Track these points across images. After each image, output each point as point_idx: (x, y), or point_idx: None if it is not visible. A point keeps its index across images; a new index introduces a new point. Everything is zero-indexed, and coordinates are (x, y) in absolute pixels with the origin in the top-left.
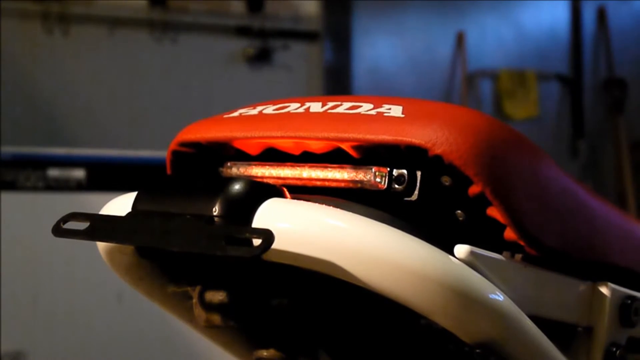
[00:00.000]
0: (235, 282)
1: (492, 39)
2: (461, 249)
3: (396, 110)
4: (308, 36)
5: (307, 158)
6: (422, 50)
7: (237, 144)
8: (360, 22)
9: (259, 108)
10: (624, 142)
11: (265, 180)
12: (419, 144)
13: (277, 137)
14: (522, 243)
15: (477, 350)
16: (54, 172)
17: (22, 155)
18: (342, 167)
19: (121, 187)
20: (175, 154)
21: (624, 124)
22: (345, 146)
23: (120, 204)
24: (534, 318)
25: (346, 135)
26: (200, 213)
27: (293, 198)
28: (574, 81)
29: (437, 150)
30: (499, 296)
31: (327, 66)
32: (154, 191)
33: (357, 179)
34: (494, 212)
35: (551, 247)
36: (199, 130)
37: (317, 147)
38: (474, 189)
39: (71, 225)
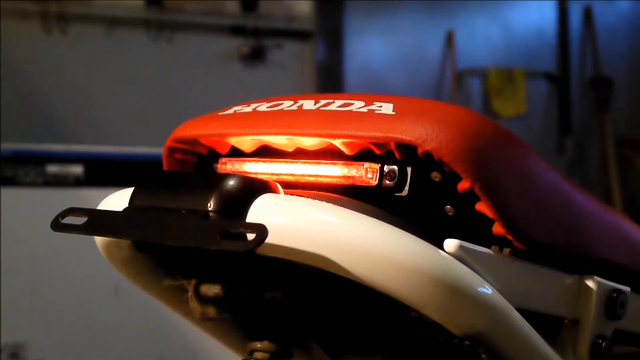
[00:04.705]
0: (230, 276)
1: (481, 38)
2: (450, 244)
3: (387, 108)
4: (301, 35)
5: (301, 155)
6: (412, 49)
7: (232, 141)
8: (352, 21)
9: (253, 105)
10: (609, 139)
11: (259, 176)
12: (409, 140)
13: (271, 134)
14: (510, 237)
15: (466, 342)
16: (52, 168)
17: (22, 151)
18: (334, 163)
19: (118, 183)
20: (171, 150)
21: (610, 121)
22: (337, 143)
23: (118, 199)
24: (522, 311)
25: (338, 132)
26: (196, 208)
27: (286, 194)
28: (561, 79)
29: (427, 147)
30: (487, 289)
31: (319, 65)
32: (151, 187)
33: (349, 175)
34: (482, 207)
35: (538, 242)
36: (194, 127)
37: (310, 144)
38: (463, 185)
39: (69, 220)
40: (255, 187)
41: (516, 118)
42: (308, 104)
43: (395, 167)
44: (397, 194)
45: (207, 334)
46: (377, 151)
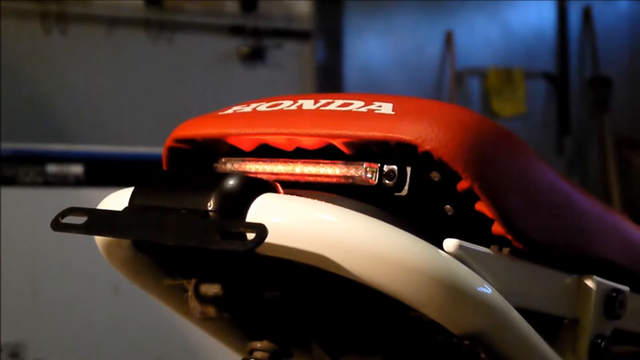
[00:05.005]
0: (229, 275)
1: (480, 38)
2: (450, 243)
3: (386, 108)
4: (300, 35)
5: (300, 154)
6: (412, 49)
7: (231, 141)
8: (351, 21)
9: (253, 105)
10: (608, 139)
11: (258, 176)
12: (409, 140)
13: (271, 134)
14: (509, 237)
15: (466, 342)
16: (52, 168)
17: (22, 151)
18: (333, 163)
19: (118, 183)
20: (171, 150)
21: (609, 121)
22: (337, 142)
23: (118, 199)
24: (521, 310)
25: (338, 131)
26: (196, 208)
27: (286, 193)
28: (560, 79)
29: (427, 147)
30: (486, 289)
31: (319, 64)
32: (150, 186)
33: (348, 175)
34: (482, 207)
35: (538, 241)
36: (194, 127)
37: (309, 143)
38: (462, 185)
39: (69, 219)
40: (255, 187)
41: (515, 118)
42: (308, 104)
43: (395, 167)
44: (396, 194)
45: (206, 333)
46: (377, 151)
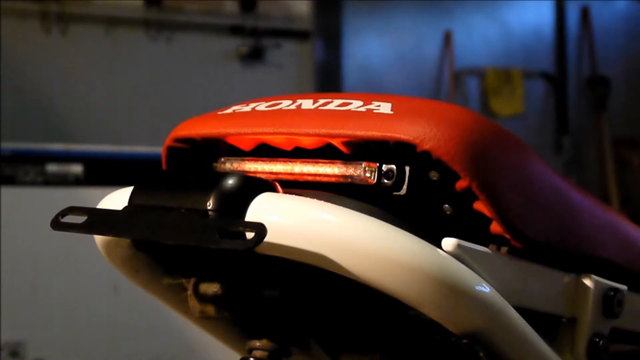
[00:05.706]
0: (228, 275)
1: (479, 38)
2: (448, 242)
3: (385, 107)
4: (299, 35)
5: (299, 154)
6: (410, 49)
7: (231, 140)
8: (350, 21)
9: (252, 105)
10: (606, 138)
11: (258, 175)
12: (407, 139)
13: (270, 133)
14: (507, 236)
15: (464, 341)
16: (52, 167)
17: (21, 150)
18: (332, 163)
19: (118, 182)
20: (170, 149)
21: (607, 120)
22: (335, 142)
23: (117, 199)
24: (520, 309)
25: (337, 131)
26: (195, 207)
27: (285, 193)
28: (559, 79)
29: (425, 146)
30: (485, 288)
31: (318, 64)
32: (150, 186)
33: (347, 174)
34: (480, 206)
35: (536, 240)
36: (193, 127)
37: (308, 142)
38: (461, 184)
39: (69, 219)
40: (254, 186)
41: (514, 117)
42: (307, 104)
43: (394, 166)
44: (395, 193)
45: (206, 332)
46: (376, 150)
